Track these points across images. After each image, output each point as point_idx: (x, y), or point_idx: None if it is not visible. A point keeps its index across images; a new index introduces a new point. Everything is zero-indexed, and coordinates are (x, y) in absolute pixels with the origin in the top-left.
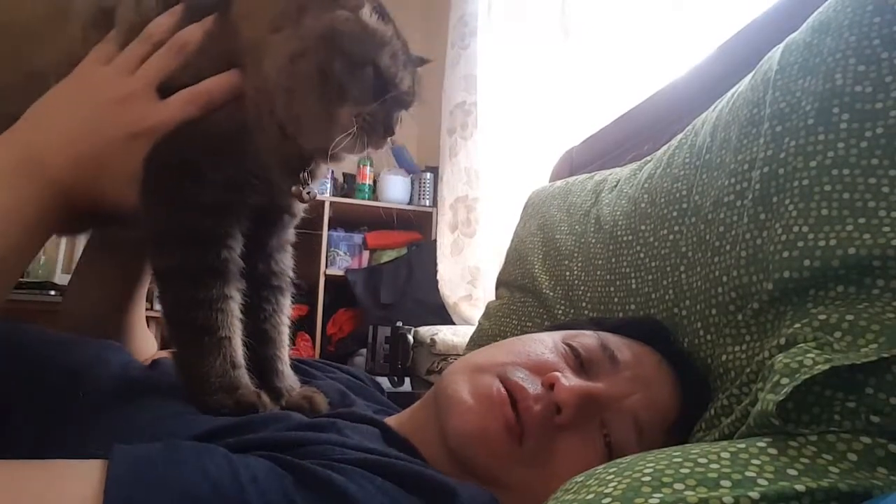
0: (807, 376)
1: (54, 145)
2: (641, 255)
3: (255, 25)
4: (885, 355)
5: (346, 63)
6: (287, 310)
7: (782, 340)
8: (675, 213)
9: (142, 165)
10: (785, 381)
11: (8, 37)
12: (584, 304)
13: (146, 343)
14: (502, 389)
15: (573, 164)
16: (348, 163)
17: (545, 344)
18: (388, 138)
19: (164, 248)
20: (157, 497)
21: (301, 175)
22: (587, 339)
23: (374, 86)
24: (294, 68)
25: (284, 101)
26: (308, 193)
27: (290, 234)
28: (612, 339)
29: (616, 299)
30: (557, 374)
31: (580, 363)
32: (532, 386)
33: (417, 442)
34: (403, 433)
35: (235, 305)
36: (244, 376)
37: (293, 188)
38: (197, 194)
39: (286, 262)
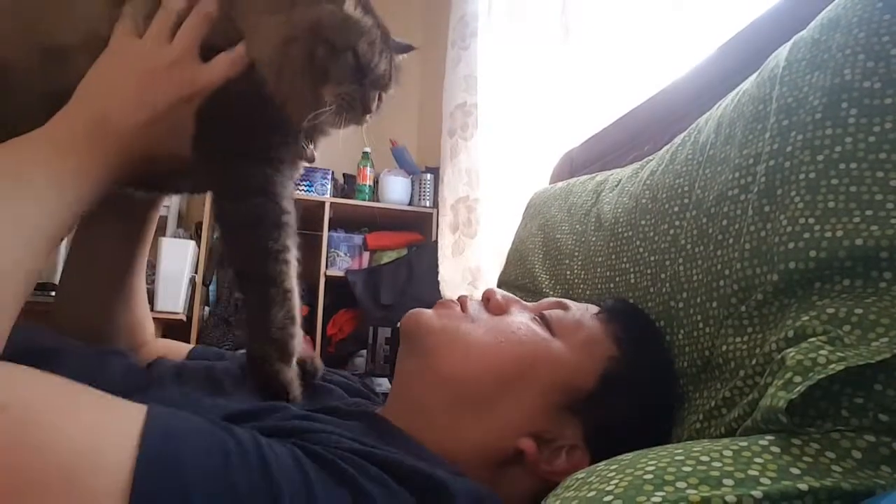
0: (821, 376)
1: (118, 111)
2: (641, 249)
3: (253, 3)
4: None
5: (329, 49)
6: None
7: (790, 333)
8: (676, 208)
9: (193, 122)
10: (798, 379)
11: (20, 12)
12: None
13: (146, 320)
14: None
15: (573, 164)
16: (349, 163)
17: None
18: (367, 115)
19: (228, 201)
20: (191, 445)
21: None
22: None
23: (352, 69)
24: (286, 50)
25: (275, 78)
26: (310, 151)
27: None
28: None
29: (615, 295)
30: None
31: None
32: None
33: (394, 418)
34: (391, 419)
35: (294, 258)
36: (297, 352)
37: (301, 144)
38: (247, 145)
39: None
